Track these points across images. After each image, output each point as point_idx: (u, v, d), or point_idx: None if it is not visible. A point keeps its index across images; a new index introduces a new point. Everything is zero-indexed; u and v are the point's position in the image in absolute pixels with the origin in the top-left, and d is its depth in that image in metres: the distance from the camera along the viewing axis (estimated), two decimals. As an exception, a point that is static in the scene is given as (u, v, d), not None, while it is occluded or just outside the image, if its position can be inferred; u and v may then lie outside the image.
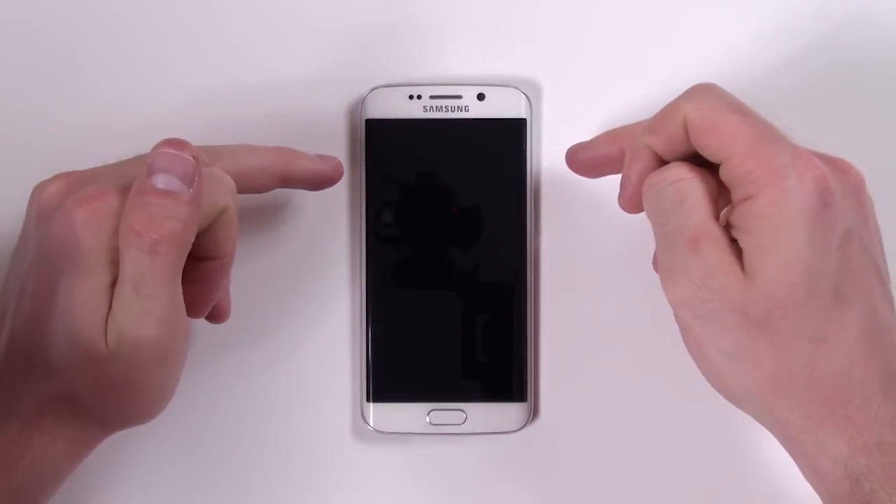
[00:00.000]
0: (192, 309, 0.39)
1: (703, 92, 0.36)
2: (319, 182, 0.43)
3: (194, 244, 0.37)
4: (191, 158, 0.36)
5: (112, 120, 0.45)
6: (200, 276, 0.38)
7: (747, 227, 0.35)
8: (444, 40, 0.46)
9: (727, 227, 0.36)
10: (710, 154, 0.36)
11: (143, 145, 0.44)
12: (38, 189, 0.38)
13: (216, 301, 0.40)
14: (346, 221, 0.45)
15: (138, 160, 0.39)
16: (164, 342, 0.36)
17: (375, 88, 0.44)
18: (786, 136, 0.35)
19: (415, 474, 0.45)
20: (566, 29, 0.46)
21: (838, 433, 0.34)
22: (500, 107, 0.44)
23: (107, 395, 0.36)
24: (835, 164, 0.36)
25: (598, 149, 0.41)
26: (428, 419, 0.44)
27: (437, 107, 0.44)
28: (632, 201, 0.38)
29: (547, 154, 0.45)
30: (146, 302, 0.35)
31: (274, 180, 0.41)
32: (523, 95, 0.44)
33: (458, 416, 0.44)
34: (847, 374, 0.34)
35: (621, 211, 0.39)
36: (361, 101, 0.44)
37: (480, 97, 0.44)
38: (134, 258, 0.35)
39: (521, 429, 0.44)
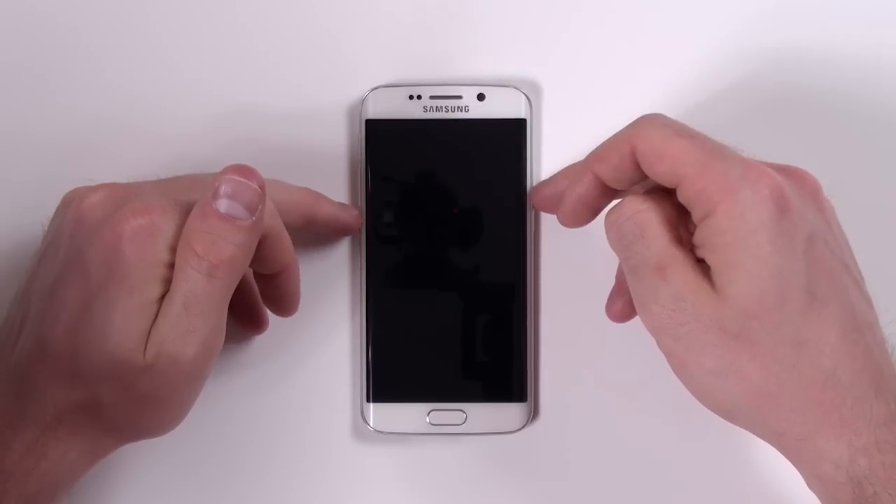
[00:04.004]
0: (283, 310, 0.43)
1: (648, 122, 0.37)
2: (339, 229, 0.44)
3: (260, 263, 0.38)
4: (257, 188, 0.37)
5: (116, 112, 0.45)
6: (278, 290, 0.42)
7: (710, 245, 0.35)
8: (444, 41, 0.46)
9: (692, 249, 0.36)
10: (664, 180, 0.36)
11: (147, 138, 0.45)
12: (78, 196, 0.38)
13: (298, 298, 0.43)
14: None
15: (179, 180, 0.40)
16: (201, 362, 0.37)
17: (375, 88, 0.44)
18: (735, 152, 0.36)
19: (415, 474, 0.45)
20: (566, 29, 0.46)
21: (836, 436, 0.34)
22: (500, 107, 0.44)
23: (130, 408, 0.37)
24: (789, 172, 0.37)
25: (558, 184, 0.42)
26: (428, 419, 0.44)
27: (437, 107, 0.44)
28: (568, 218, 0.40)
29: (547, 154, 0.45)
30: (194, 321, 0.36)
31: (299, 220, 0.42)
32: (523, 95, 0.44)
33: (458, 417, 0.44)
34: (834, 375, 0.34)
35: None
36: (361, 101, 0.44)
37: (480, 97, 0.44)
38: (190, 278, 0.36)
39: (521, 429, 0.44)
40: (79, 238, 0.37)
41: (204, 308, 0.36)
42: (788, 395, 0.35)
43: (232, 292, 0.38)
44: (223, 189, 0.36)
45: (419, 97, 0.44)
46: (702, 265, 0.36)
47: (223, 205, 0.36)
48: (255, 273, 0.41)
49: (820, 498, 0.36)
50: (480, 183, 0.44)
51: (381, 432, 0.44)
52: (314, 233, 0.44)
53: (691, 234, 0.37)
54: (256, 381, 0.45)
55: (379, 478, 0.45)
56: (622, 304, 0.42)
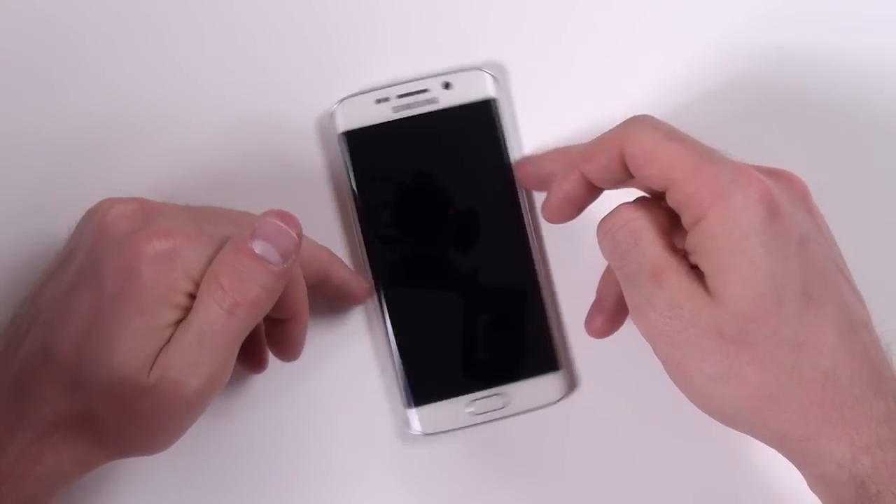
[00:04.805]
0: (285, 355, 0.42)
1: (638, 124, 0.37)
2: (347, 296, 0.44)
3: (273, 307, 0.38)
4: (295, 236, 0.36)
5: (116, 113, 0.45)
6: (284, 335, 0.41)
7: (703, 250, 0.36)
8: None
9: (685, 255, 0.37)
10: (654, 183, 0.37)
11: (149, 141, 0.44)
12: (105, 206, 0.38)
13: (302, 345, 0.42)
14: (343, 239, 0.45)
15: (208, 210, 0.39)
16: (203, 395, 0.37)
17: (342, 101, 0.44)
18: (725, 156, 0.36)
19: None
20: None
21: (838, 436, 0.35)
22: (467, 91, 0.44)
23: (126, 425, 0.36)
24: (778, 176, 0.37)
25: (543, 167, 0.43)
26: (470, 409, 0.44)
27: (406, 105, 0.44)
28: (552, 214, 0.41)
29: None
30: (204, 354, 0.36)
31: (313, 276, 0.41)
32: (488, 75, 0.45)
33: (499, 401, 0.44)
34: (834, 374, 0.35)
35: None
36: (331, 116, 0.44)
37: (446, 86, 0.44)
38: (210, 310, 0.36)
39: (561, 399, 0.44)
40: (99, 248, 0.36)
41: (218, 343, 0.36)
42: (789, 397, 0.35)
43: (247, 333, 0.37)
44: (262, 231, 0.36)
45: (387, 99, 0.44)
46: (696, 271, 0.36)
47: (259, 246, 0.36)
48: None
49: (822, 499, 0.36)
50: (467, 169, 0.44)
51: (429, 434, 0.44)
52: (322, 294, 0.43)
53: (683, 241, 0.37)
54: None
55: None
56: (602, 321, 0.43)
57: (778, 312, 0.35)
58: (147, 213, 0.37)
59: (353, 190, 0.44)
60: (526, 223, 0.45)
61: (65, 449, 0.36)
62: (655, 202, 0.38)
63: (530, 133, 0.46)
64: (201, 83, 0.45)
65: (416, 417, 0.44)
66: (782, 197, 0.36)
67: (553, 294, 0.45)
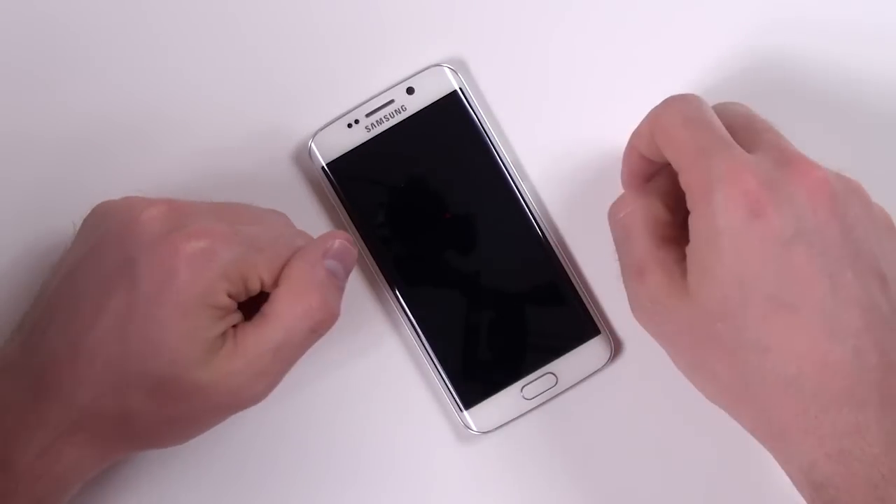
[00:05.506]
0: None
1: (667, 105, 0.38)
2: None
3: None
4: (356, 255, 0.40)
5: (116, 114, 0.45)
6: None
7: (691, 240, 0.36)
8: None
9: (679, 242, 0.37)
10: (672, 164, 0.37)
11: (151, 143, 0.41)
12: (132, 205, 0.38)
13: None
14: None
15: (231, 207, 0.40)
16: (257, 399, 0.38)
17: (314, 135, 0.44)
18: (731, 148, 0.35)
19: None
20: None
21: (799, 441, 0.34)
22: (431, 90, 0.44)
23: (160, 423, 0.37)
24: (794, 167, 0.35)
25: (628, 163, 0.41)
26: (523, 395, 0.43)
27: (377, 121, 0.44)
28: (626, 185, 0.41)
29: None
30: (275, 365, 0.37)
31: None
32: (446, 69, 0.44)
33: (550, 380, 0.44)
34: (797, 382, 0.34)
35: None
36: (308, 153, 0.44)
37: (410, 91, 0.44)
38: (292, 328, 0.37)
39: (609, 362, 0.44)
40: (131, 248, 0.36)
41: (292, 356, 0.37)
42: (755, 397, 0.35)
43: None
44: (335, 251, 0.38)
45: (357, 121, 0.44)
46: (684, 264, 0.37)
47: (331, 265, 0.38)
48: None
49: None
50: (456, 166, 0.44)
51: (489, 432, 0.43)
52: None
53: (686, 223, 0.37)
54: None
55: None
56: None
57: (742, 315, 0.34)
58: (180, 213, 0.37)
59: (349, 217, 0.44)
60: (529, 203, 0.44)
61: (86, 447, 0.36)
62: (658, 188, 0.39)
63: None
64: (200, 85, 0.45)
65: (471, 418, 0.43)
66: (775, 196, 0.34)
67: (574, 265, 0.45)
